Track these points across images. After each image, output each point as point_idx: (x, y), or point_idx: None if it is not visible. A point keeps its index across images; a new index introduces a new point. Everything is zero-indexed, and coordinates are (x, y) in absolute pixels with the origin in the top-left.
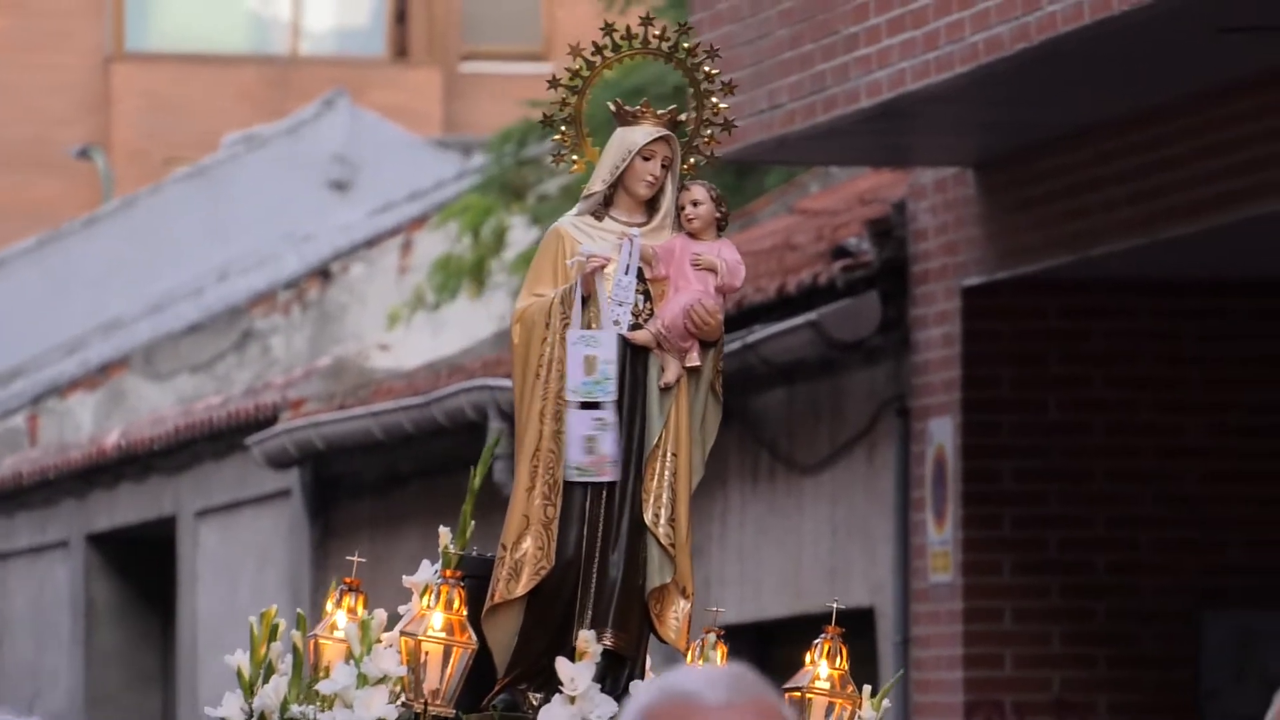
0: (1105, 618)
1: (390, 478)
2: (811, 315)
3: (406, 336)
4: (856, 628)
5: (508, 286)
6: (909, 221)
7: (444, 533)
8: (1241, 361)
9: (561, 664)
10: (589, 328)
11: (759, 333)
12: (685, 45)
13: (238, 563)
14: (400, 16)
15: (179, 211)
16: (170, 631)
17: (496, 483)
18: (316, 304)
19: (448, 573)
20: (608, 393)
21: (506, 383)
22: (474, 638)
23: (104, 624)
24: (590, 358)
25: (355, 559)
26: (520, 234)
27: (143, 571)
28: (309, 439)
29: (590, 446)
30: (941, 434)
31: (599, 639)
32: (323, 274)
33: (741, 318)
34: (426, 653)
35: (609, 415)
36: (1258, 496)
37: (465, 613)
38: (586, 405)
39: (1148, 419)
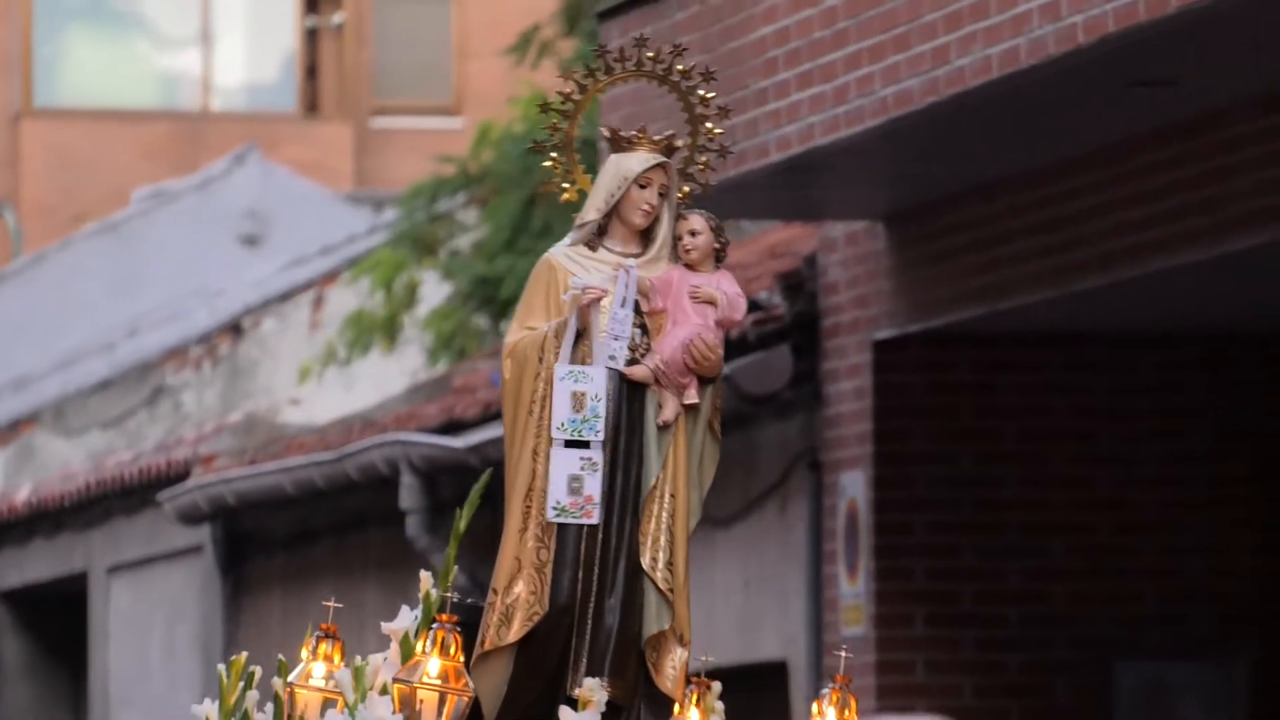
0: (1018, 669)
1: (302, 533)
2: (724, 368)
3: (318, 391)
4: (769, 681)
5: (420, 342)
6: (820, 275)
7: (425, 577)
8: (1151, 414)
9: (565, 714)
10: (583, 363)
11: None
12: (680, 68)
13: (149, 619)
14: (311, 72)
15: (89, 267)
16: (82, 688)
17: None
18: (228, 359)
19: (444, 617)
20: (596, 431)
21: (419, 437)
22: (471, 685)
23: (15, 681)
24: (579, 394)
25: (330, 604)
26: (432, 289)
27: (54, 628)
28: (220, 495)
29: (575, 487)
30: (854, 487)
31: (601, 688)
32: (234, 329)
33: None
34: (421, 700)
35: (596, 455)
36: (1169, 547)
37: (462, 659)
38: (573, 444)
39: (1059, 471)
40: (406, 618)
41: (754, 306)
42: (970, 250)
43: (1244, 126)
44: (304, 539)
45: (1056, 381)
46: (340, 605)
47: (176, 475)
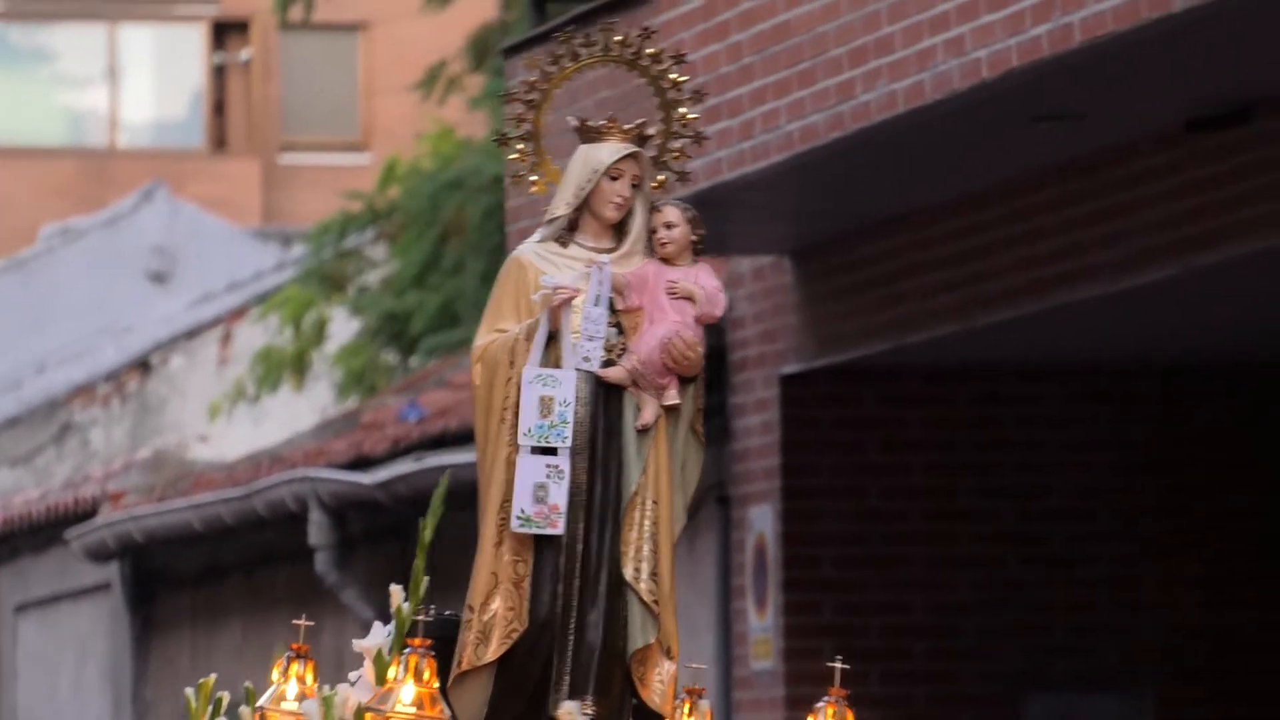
0: (926, 703)
1: (211, 570)
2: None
3: (227, 428)
4: None
5: (329, 378)
6: (728, 309)
7: (395, 591)
8: (1057, 446)
9: None
10: (556, 366)
11: None
12: (650, 51)
13: (58, 657)
14: (219, 108)
15: None
16: None
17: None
18: (136, 396)
19: (416, 641)
20: (563, 437)
21: (328, 474)
22: (446, 711)
23: None
24: (547, 399)
25: (301, 622)
26: (341, 325)
27: None
28: (129, 532)
29: (540, 495)
30: (762, 521)
31: (581, 710)
32: (142, 366)
33: None
34: None
35: (564, 463)
36: (1076, 579)
37: (437, 684)
38: (539, 450)
39: (966, 505)
40: (379, 634)
41: None
42: (877, 285)
43: (1147, 161)
44: (213, 576)
45: (962, 415)
46: (312, 623)
47: (84, 513)
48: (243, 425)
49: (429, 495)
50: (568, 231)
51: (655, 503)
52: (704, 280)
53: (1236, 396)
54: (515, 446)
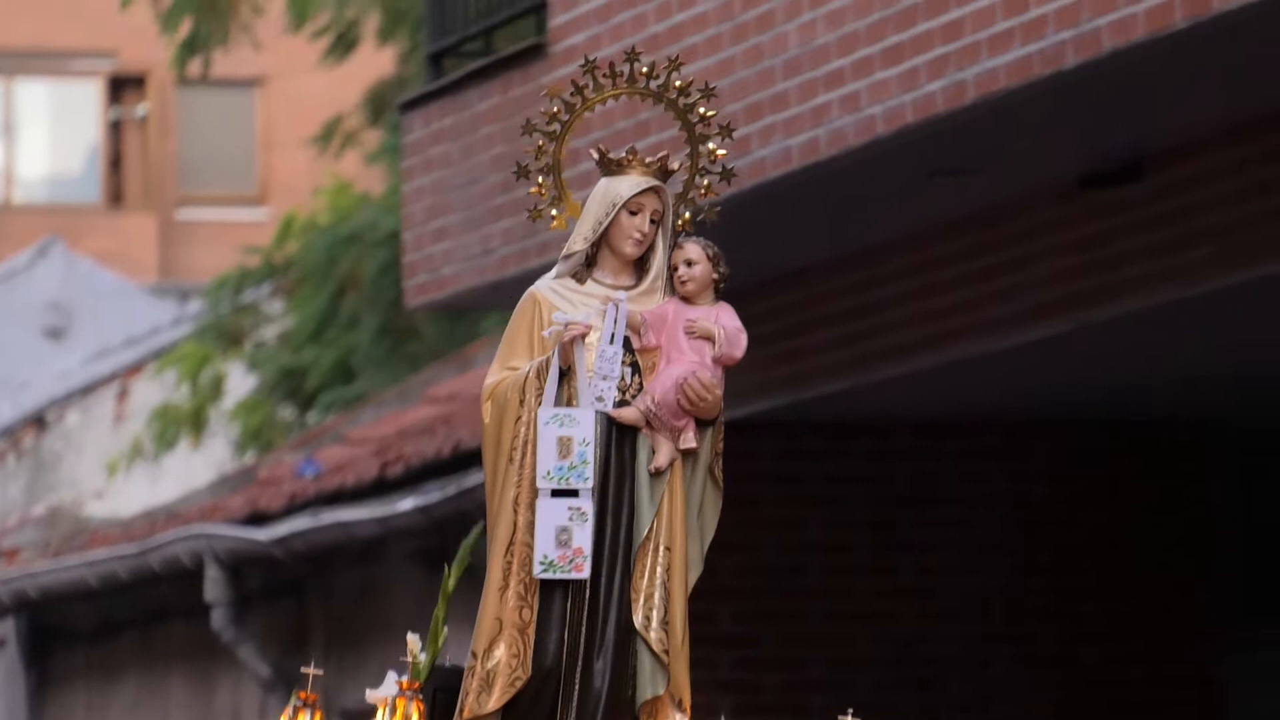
0: None
1: (106, 626)
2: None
3: (124, 484)
4: None
5: (225, 434)
6: None
7: (412, 640)
8: (953, 501)
9: None
10: (569, 404)
11: (474, 477)
12: (677, 83)
13: None
14: (115, 163)
15: None
16: None
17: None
18: (32, 452)
19: (404, 684)
20: (584, 479)
21: (224, 530)
22: None
23: None
24: (565, 439)
25: (310, 670)
26: (238, 381)
27: None
28: (24, 588)
29: (563, 539)
30: None
31: None
32: (38, 422)
33: (456, 462)
34: None
35: (585, 504)
36: (973, 633)
37: None
38: (560, 493)
39: (863, 559)
40: (390, 685)
41: None
42: (773, 339)
43: (1041, 217)
44: (108, 632)
45: (859, 470)
46: (319, 671)
47: None
48: (139, 481)
49: (325, 551)
50: (585, 267)
51: (668, 549)
52: (725, 320)
53: (1131, 451)
54: (523, 488)
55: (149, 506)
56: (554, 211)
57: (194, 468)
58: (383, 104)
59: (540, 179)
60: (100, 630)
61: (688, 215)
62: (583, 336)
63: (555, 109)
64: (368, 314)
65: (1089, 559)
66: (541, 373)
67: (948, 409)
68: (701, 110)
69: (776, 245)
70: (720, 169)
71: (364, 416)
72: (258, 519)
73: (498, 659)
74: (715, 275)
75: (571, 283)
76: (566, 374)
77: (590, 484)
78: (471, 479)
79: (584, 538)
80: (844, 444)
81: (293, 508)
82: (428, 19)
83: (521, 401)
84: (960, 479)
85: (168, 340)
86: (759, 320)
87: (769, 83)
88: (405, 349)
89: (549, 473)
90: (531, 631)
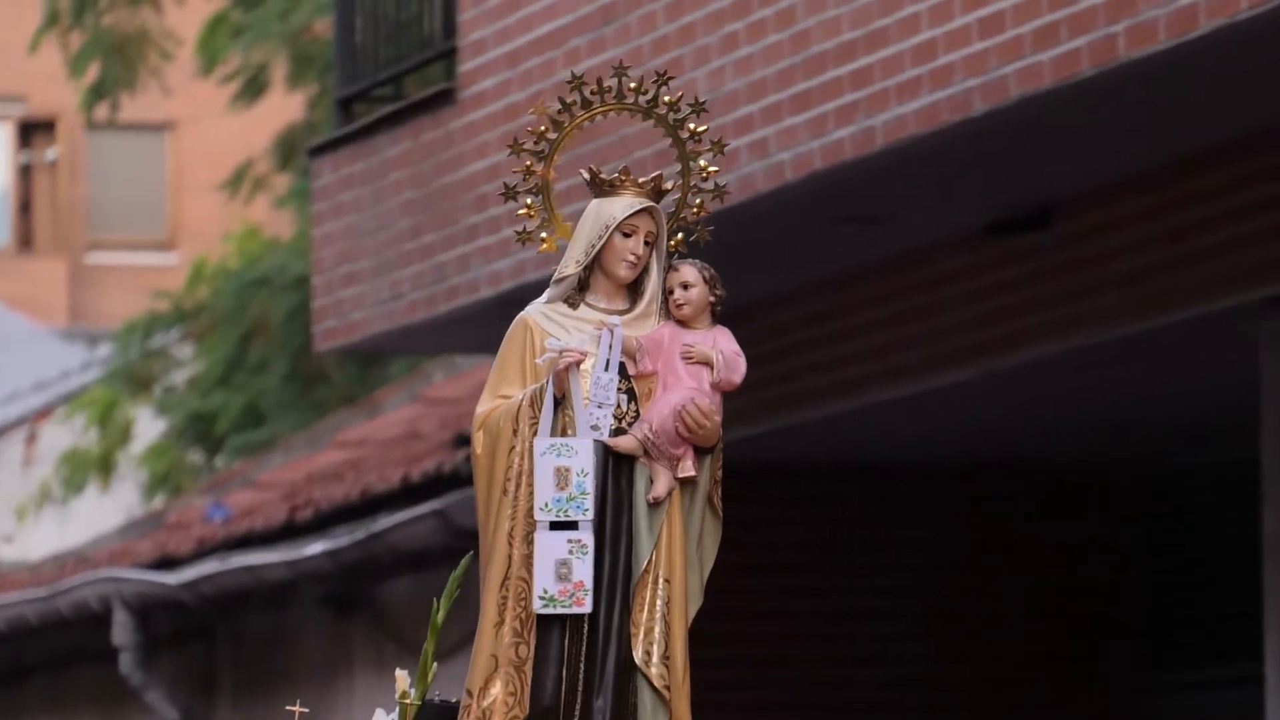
0: None
1: (14, 670)
2: (436, 504)
3: (32, 528)
4: None
5: (134, 478)
6: None
7: (401, 677)
8: (863, 546)
9: None
10: (564, 434)
11: (384, 522)
12: (667, 99)
13: None
14: (25, 207)
15: None
16: None
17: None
18: None
19: None
20: (584, 510)
21: (132, 574)
22: None
23: None
24: (563, 470)
25: (296, 709)
26: (147, 426)
27: None
28: None
29: (563, 573)
30: None
31: None
32: None
33: (365, 507)
34: None
35: (585, 536)
36: (882, 679)
37: None
38: (559, 525)
39: (771, 604)
40: None
41: (465, 441)
42: None
43: (949, 264)
44: (16, 676)
45: (768, 514)
46: (307, 710)
47: None
48: (48, 525)
49: (234, 595)
50: (578, 292)
51: (668, 581)
52: (723, 345)
53: (1040, 497)
54: (517, 520)
55: (57, 550)
56: (543, 234)
57: (103, 512)
58: (292, 149)
59: (529, 200)
60: (8, 674)
61: (680, 236)
62: (578, 363)
63: (543, 127)
64: (277, 358)
65: (999, 604)
66: (535, 401)
67: (859, 455)
68: (692, 126)
69: None
70: (713, 186)
71: (273, 461)
72: (166, 563)
73: (494, 697)
74: (712, 298)
75: (564, 307)
76: (561, 402)
77: (590, 515)
78: (380, 523)
79: (585, 571)
80: (755, 489)
81: (201, 552)
82: (337, 64)
83: (515, 431)
84: (872, 524)
85: (77, 384)
86: None
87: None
88: (314, 394)
89: (547, 504)
90: (529, 668)
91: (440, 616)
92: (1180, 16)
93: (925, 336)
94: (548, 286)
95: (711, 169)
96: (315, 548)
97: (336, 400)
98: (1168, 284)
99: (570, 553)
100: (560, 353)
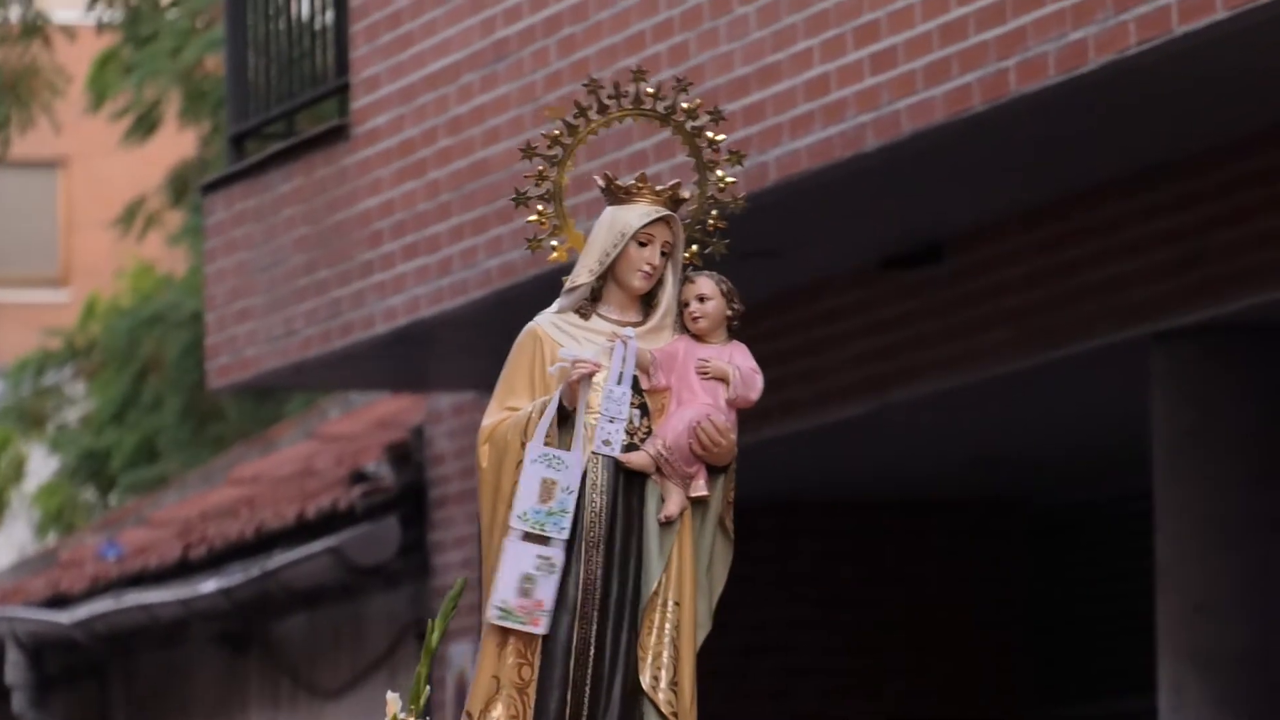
0: None
1: None
2: (331, 541)
3: None
4: None
5: (27, 517)
6: (427, 446)
7: (392, 699)
8: (758, 582)
9: None
10: (567, 448)
11: (278, 559)
12: (684, 105)
13: None
14: None
15: None
16: None
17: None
18: None
19: None
20: (561, 528)
21: (24, 612)
22: None
23: None
24: (549, 482)
25: None
26: (40, 463)
27: None
28: None
29: (525, 588)
30: (462, 658)
31: None
32: None
33: (260, 544)
34: None
35: (557, 555)
36: (782, 711)
37: None
38: (532, 537)
39: None
40: None
41: (361, 478)
42: None
43: (842, 298)
44: None
45: None
46: None
47: None
48: None
49: (127, 633)
50: (590, 302)
51: (677, 604)
52: (739, 360)
53: (931, 531)
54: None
55: None
56: (554, 242)
57: None
58: (185, 185)
59: (540, 207)
60: None
61: (695, 248)
62: (590, 376)
63: (557, 131)
64: (170, 395)
65: (891, 640)
66: (544, 412)
67: (753, 489)
68: (710, 135)
69: None
70: (732, 198)
71: (167, 498)
72: (59, 601)
73: None
74: (729, 312)
75: (575, 318)
76: (567, 415)
77: (566, 534)
78: (275, 561)
79: (547, 590)
80: None
81: (95, 590)
82: (229, 100)
83: (523, 445)
84: (766, 559)
85: None
86: None
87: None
88: (209, 430)
89: (525, 514)
90: (532, 691)
91: (435, 639)
92: (1070, 52)
93: (818, 371)
94: (442, 323)
95: (730, 180)
96: (209, 585)
97: (231, 437)
98: (1059, 319)
99: (537, 569)
100: (572, 364)
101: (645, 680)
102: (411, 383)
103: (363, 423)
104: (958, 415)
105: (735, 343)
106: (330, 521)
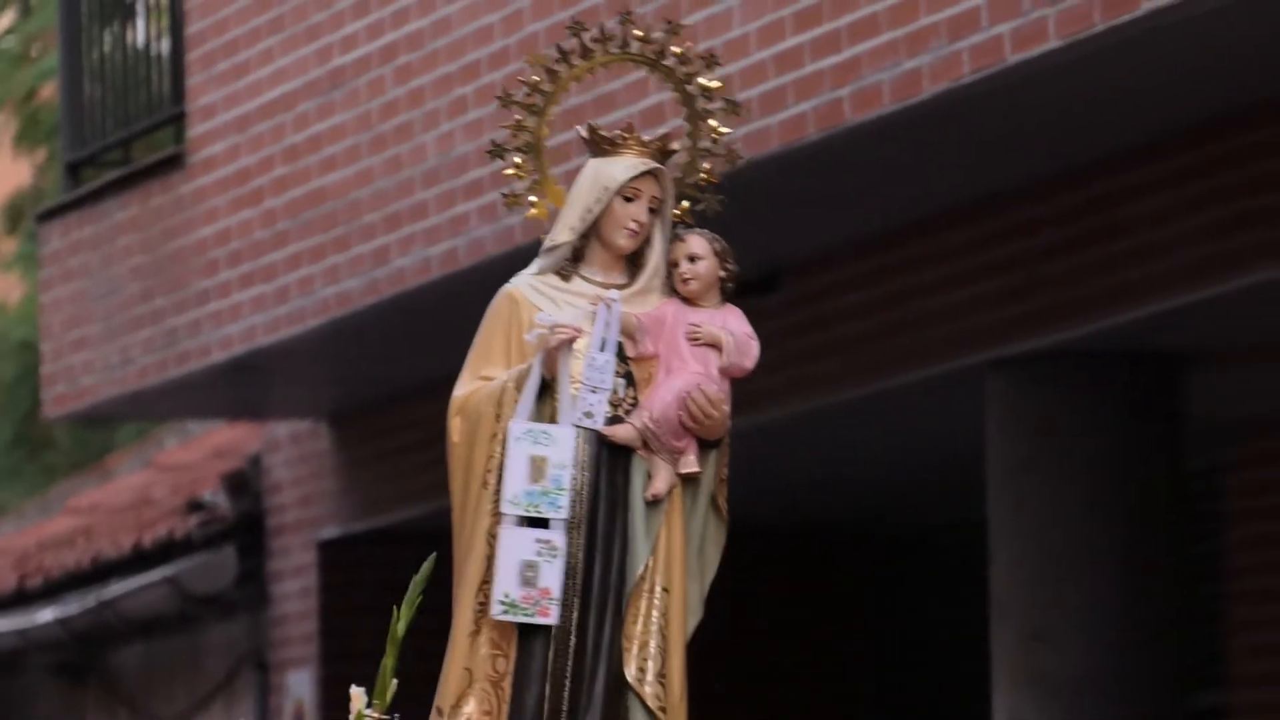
0: None
1: None
2: (168, 570)
3: None
4: None
5: None
6: (264, 475)
7: (356, 694)
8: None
9: None
10: (551, 420)
11: (115, 589)
12: (676, 50)
13: None
14: None
15: None
16: None
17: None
18: None
19: None
20: (558, 508)
21: None
22: None
23: None
24: (539, 460)
25: None
26: None
27: None
28: None
29: (528, 577)
30: (300, 687)
31: None
32: None
33: (97, 573)
34: None
35: (558, 538)
36: None
37: None
38: (529, 522)
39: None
40: None
41: (198, 507)
42: (415, 448)
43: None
44: None
45: None
46: None
47: None
48: None
49: None
50: (571, 262)
51: (665, 590)
52: (733, 325)
53: (767, 559)
54: (497, 517)
55: None
56: (532, 198)
57: None
58: (20, 214)
59: (517, 158)
60: None
61: (686, 204)
62: (570, 342)
63: (536, 78)
64: (2, 424)
65: (726, 668)
66: (521, 383)
67: None
68: (703, 81)
69: (418, 355)
70: (726, 150)
71: (3, 528)
72: None
73: (467, 715)
74: (722, 273)
75: (555, 279)
76: (550, 385)
77: (564, 514)
78: (112, 590)
79: (553, 576)
80: None
81: None
82: (64, 128)
83: (498, 417)
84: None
85: None
86: (402, 430)
87: (408, 193)
88: (42, 459)
89: (516, 497)
90: (508, 685)
91: (401, 627)
92: (904, 81)
93: None
94: (279, 352)
95: (723, 130)
96: (46, 615)
97: (65, 466)
98: (894, 347)
99: (538, 555)
100: (551, 329)
101: (630, 672)
102: (248, 411)
103: (200, 452)
104: (792, 443)
105: (729, 306)
106: (167, 551)
